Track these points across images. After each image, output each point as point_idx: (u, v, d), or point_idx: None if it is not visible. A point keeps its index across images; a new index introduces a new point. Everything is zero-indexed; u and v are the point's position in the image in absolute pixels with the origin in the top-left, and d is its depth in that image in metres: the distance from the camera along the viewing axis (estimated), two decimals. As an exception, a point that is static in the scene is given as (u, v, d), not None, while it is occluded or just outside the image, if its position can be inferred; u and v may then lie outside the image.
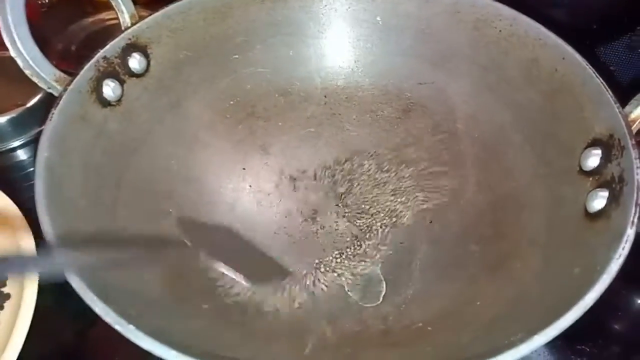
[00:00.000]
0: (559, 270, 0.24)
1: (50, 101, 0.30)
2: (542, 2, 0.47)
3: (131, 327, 0.17)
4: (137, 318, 0.18)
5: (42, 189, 0.23)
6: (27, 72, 0.27)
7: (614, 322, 0.34)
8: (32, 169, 0.39)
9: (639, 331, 0.34)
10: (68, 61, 0.47)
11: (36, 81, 0.28)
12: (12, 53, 0.27)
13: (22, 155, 0.39)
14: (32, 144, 0.40)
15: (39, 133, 0.37)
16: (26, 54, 0.27)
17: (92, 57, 0.29)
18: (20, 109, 0.40)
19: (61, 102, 0.26)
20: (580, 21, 0.48)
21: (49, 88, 0.28)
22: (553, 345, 0.32)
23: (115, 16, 0.34)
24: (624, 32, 0.49)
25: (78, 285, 0.18)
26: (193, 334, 0.22)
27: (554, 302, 0.21)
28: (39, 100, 0.40)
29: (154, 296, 0.25)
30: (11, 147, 0.39)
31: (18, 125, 0.40)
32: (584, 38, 0.49)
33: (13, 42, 0.26)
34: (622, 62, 0.51)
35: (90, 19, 0.53)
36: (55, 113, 0.26)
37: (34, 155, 0.37)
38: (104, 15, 0.53)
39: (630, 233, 0.21)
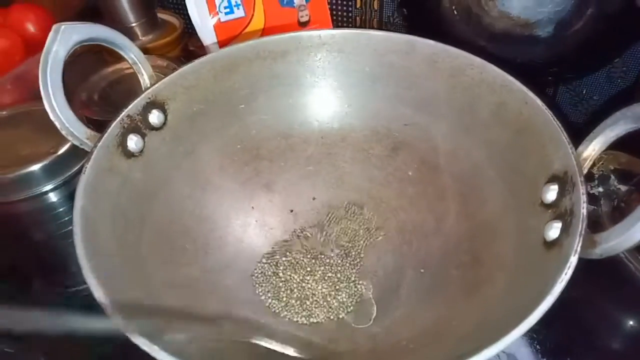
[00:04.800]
0: (519, 294, 0.27)
1: (78, 149, 0.35)
2: (523, 39, 0.51)
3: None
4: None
5: (79, 233, 0.27)
6: (63, 132, 0.32)
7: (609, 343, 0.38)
8: (61, 209, 0.43)
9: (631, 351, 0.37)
10: (91, 109, 0.52)
11: (71, 139, 0.32)
12: (51, 117, 0.32)
13: (52, 197, 0.42)
14: (62, 187, 0.43)
15: (69, 177, 0.41)
16: (63, 117, 0.32)
17: (117, 116, 0.34)
18: (52, 157, 0.42)
19: (92, 157, 0.31)
20: (559, 54, 0.52)
21: (81, 145, 0.33)
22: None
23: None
24: (604, 64, 0.53)
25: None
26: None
27: (512, 324, 0.24)
28: (69, 148, 0.43)
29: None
30: (43, 191, 0.42)
31: (50, 171, 0.42)
32: (564, 71, 0.54)
33: (52, 109, 0.31)
34: (603, 92, 0.55)
35: (110, 69, 0.58)
36: (88, 167, 0.30)
37: (63, 197, 0.42)
38: (122, 65, 0.58)
39: (573, 260, 0.25)
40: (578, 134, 0.32)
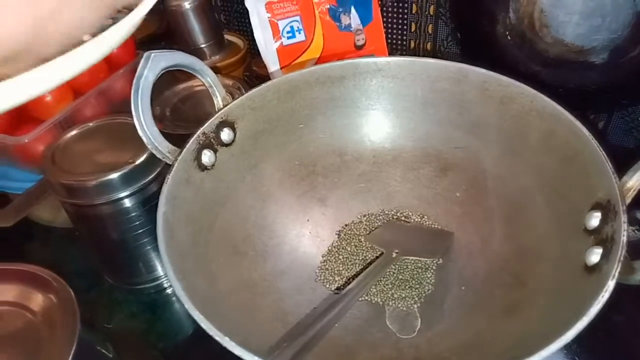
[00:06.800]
0: (558, 315, 0.28)
1: (151, 160, 0.40)
2: (577, 65, 0.52)
3: None
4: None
5: (162, 233, 0.31)
6: (149, 146, 0.37)
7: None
8: (134, 214, 0.47)
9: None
10: (164, 123, 0.57)
11: (155, 153, 0.37)
12: (140, 133, 0.36)
13: (127, 203, 0.46)
14: (137, 194, 0.46)
15: (143, 185, 0.45)
16: (149, 133, 0.36)
17: (194, 133, 0.38)
18: (129, 166, 0.46)
19: (173, 169, 0.35)
20: (614, 81, 0.52)
21: (163, 158, 0.37)
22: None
23: (200, 83, 0.42)
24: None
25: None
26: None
27: (551, 340, 0.26)
28: (144, 160, 0.47)
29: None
30: (120, 196, 0.45)
31: (126, 180, 0.45)
32: (618, 97, 0.54)
33: (141, 126, 0.36)
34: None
35: (182, 86, 0.63)
36: (170, 178, 0.35)
37: (137, 203, 0.46)
38: (192, 82, 0.63)
39: (610, 284, 0.26)
40: (632, 161, 0.32)
